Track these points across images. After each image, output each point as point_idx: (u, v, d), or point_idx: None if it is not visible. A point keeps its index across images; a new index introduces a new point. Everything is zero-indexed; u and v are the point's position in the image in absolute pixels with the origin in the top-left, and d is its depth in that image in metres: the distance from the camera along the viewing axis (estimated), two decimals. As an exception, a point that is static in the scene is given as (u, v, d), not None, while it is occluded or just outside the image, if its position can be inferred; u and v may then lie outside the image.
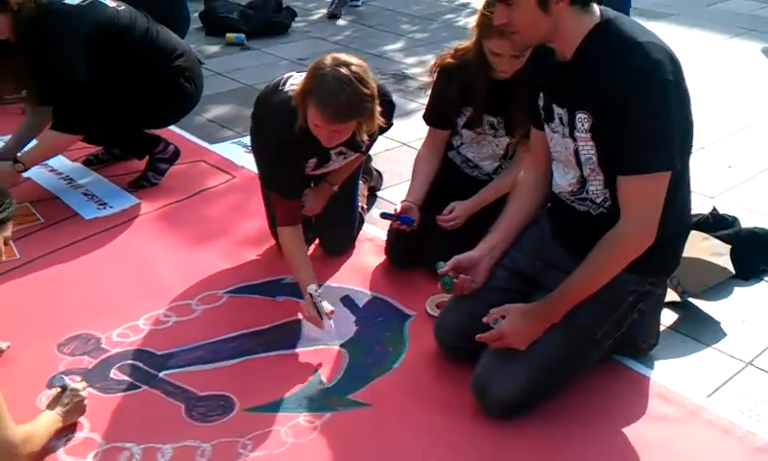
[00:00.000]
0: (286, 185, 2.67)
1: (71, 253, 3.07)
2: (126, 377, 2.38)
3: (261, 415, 2.23)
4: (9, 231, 2.02)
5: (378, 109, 2.47)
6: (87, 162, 3.81)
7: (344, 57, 2.42)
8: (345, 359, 2.47)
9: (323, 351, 2.50)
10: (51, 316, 2.67)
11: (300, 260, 2.62)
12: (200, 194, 3.55)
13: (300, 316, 2.60)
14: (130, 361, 2.45)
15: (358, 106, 2.39)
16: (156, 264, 2.99)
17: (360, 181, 3.19)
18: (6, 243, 2.02)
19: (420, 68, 5.06)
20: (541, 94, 2.21)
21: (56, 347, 2.51)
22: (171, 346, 2.52)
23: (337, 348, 2.52)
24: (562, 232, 2.29)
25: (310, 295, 2.50)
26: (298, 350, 2.52)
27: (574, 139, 2.10)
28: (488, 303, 2.25)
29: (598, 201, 2.14)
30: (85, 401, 2.16)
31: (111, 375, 2.39)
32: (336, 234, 3.07)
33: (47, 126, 3.36)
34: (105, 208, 3.40)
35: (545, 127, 2.23)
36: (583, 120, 2.06)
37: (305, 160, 2.74)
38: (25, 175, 3.66)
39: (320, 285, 2.62)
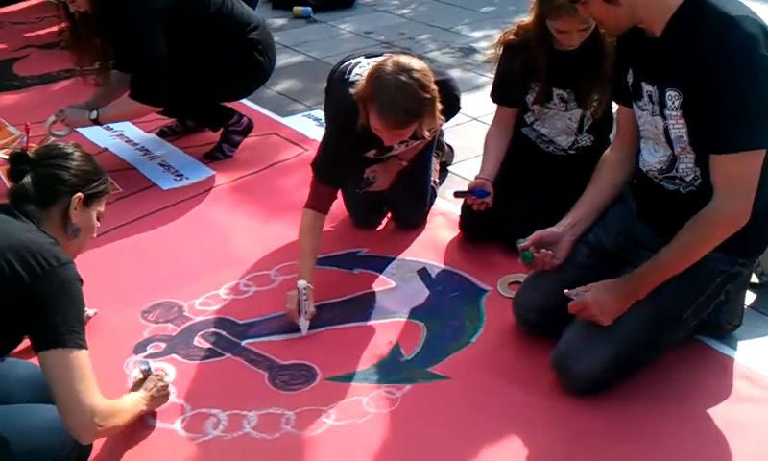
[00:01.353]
0: (329, 173, 2.66)
1: (150, 222, 3.14)
2: (209, 345, 2.43)
3: (343, 385, 2.26)
4: (102, 207, 2.06)
5: (439, 106, 2.46)
6: (162, 134, 3.88)
7: (405, 60, 2.40)
8: (422, 332, 2.48)
9: (400, 324, 2.52)
10: (134, 284, 2.74)
11: (308, 251, 2.59)
12: (273, 166, 3.59)
13: (377, 287, 2.61)
14: (212, 329, 2.50)
15: (418, 111, 2.39)
16: (232, 235, 3.04)
17: (433, 156, 3.18)
18: (99, 218, 2.06)
19: (488, 42, 4.97)
20: (630, 71, 2.18)
21: (140, 314, 2.58)
22: (252, 315, 2.56)
23: (414, 320, 2.54)
24: (649, 211, 2.25)
25: (298, 289, 2.48)
26: (375, 322, 2.54)
27: (664, 117, 2.07)
28: (568, 281, 2.23)
29: (688, 179, 2.11)
30: (169, 389, 2.18)
31: (195, 342, 2.45)
32: (409, 208, 3.08)
33: (121, 95, 3.44)
34: (181, 179, 3.47)
35: (633, 105, 2.19)
36: (673, 98, 2.02)
37: (364, 152, 2.75)
38: (102, 145, 3.78)
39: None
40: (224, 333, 2.48)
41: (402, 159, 2.96)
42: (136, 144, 3.80)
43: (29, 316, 1.72)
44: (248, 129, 3.68)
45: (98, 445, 1.96)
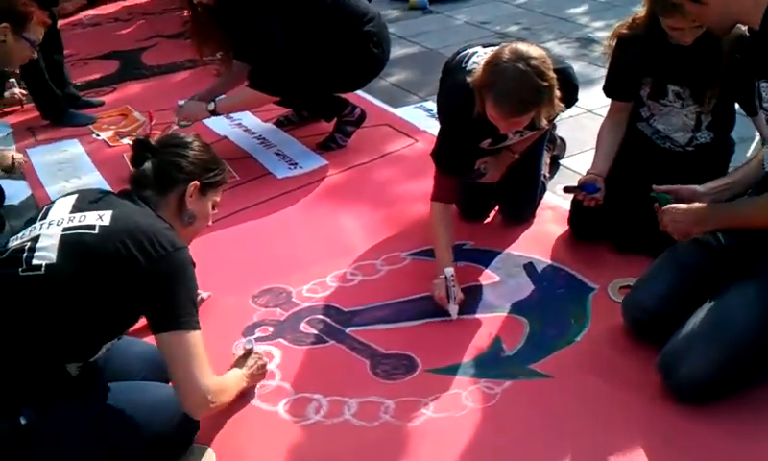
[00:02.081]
0: (450, 162, 2.67)
1: (264, 209, 3.24)
2: (315, 331, 2.50)
3: (442, 377, 2.27)
4: (218, 196, 2.15)
5: (558, 94, 2.41)
6: (278, 123, 4.00)
7: (523, 48, 2.36)
8: (525, 328, 2.46)
9: (502, 319, 2.51)
10: (246, 268, 2.84)
11: (444, 240, 2.62)
12: (383, 157, 3.63)
13: (433, 295, 2.57)
14: (318, 316, 2.57)
15: (536, 100, 2.35)
16: (342, 224, 3.10)
17: (544, 149, 3.13)
18: (214, 207, 2.15)
19: (607, 32, 4.86)
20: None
21: (250, 298, 2.68)
22: (357, 303, 2.61)
23: (517, 316, 2.52)
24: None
25: (445, 277, 2.50)
26: (478, 315, 2.53)
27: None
28: (677, 285, 2.17)
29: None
30: (267, 367, 2.27)
31: (301, 327, 2.52)
32: (518, 202, 3.05)
33: (240, 85, 3.57)
34: (295, 168, 3.56)
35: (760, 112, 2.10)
36: None
37: (480, 141, 2.73)
38: (222, 134, 3.93)
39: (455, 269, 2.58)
40: (329, 320, 2.54)
41: (514, 152, 2.93)
42: (254, 133, 3.93)
43: (145, 298, 1.82)
44: (360, 119, 3.74)
45: (204, 423, 2.05)
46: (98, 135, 4.03)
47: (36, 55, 3.01)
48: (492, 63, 2.36)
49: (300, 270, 2.80)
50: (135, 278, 1.79)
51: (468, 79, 2.46)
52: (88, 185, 3.52)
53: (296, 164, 3.60)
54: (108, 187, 3.48)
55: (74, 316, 1.77)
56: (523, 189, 3.03)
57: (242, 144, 3.83)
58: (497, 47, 2.46)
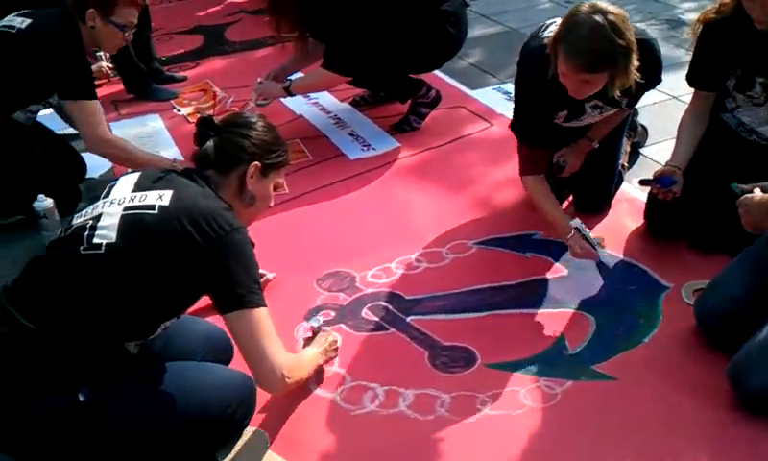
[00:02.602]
0: (531, 132, 2.63)
1: (335, 191, 3.24)
2: (376, 318, 2.49)
3: (501, 373, 2.23)
4: (281, 178, 2.14)
5: (636, 63, 2.30)
6: (354, 103, 3.98)
7: (603, 4, 2.28)
8: (591, 326, 2.39)
9: (568, 315, 2.44)
10: (312, 250, 2.85)
11: (551, 203, 2.62)
12: (457, 141, 3.58)
13: (576, 254, 2.50)
14: (381, 302, 2.55)
15: (608, 57, 2.25)
16: (411, 208, 3.07)
17: (624, 138, 3.02)
18: (276, 189, 2.14)
19: (698, 14, 4.65)
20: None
21: (315, 281, 2.68)
22: (420, 292, 2.58)
23: (583, 313, 2.44)
24: None
25: (576, 229, 2.45)
26: (542, 310, 2.47)
27: None
28: (753, 285, 2.06)
29: None
30: (338, 344, 2.28)
31: (363, 314, 2.51)
32: (593, 192, 2.95)
33: (315, 64, 3.57)
34: (368, 150, 3.54)
35: None
36: None
37: (555, 111, 2.63)
38: (298, 112, 3.93)
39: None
40: (391, 308, 2.52)
41: (593, 140, 2.84)
42: (330, 112, 3.92)
43: (206, 279, 1.84)
44: (435, 101, 3.69)
45: (260, 406, 2.08)
46: (179, 111, 4.10)
47: (129, 38, 3.01)
48: (569, 16, 2.31)
49: (366, 254, 2.78)
50: (194, 258, 1.80)
51: (545, 41, 2.40)
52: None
53: (369, 146, 3.58)
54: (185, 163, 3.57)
55: (132, 295, 1.80)
56: (599, 179, 2.94)
57: (317, 123, 3.83)
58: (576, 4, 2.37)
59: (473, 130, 3.65)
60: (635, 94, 2.60)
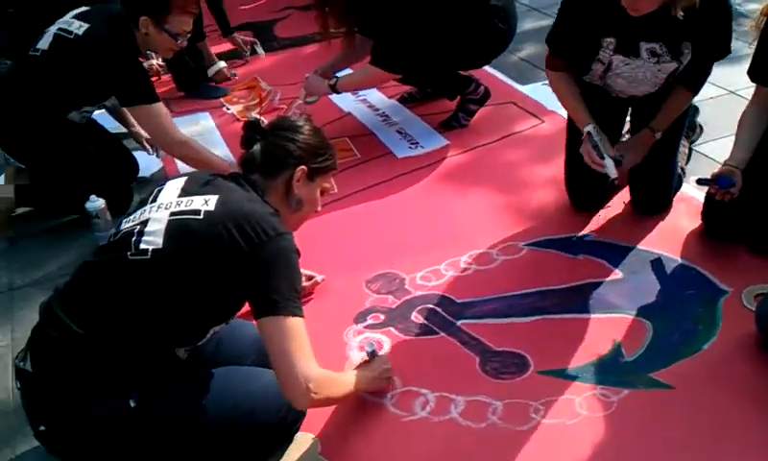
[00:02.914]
0: (563, 43, 2.59)
1: (382, 190, 3.21)
2: (425, 322, 2.45)
3: (555, 380, 2.18)
4: (328, 182, 2.12)
5: None
6: (402, 100, 3.95)
7: None
8: (647, 332, 2.32)
9: (624, 321, 2.38)
10: (361, 251, 2.83)
11: (574, 99, 2.61)
12: (507, 138, 3.52)
13: (603, 277, 2.47)
14: (430, 305, 2.52)
15: None
16: (459, 208, 3.03)
17: (683, 136, 2.91)
18: (323, 193, 2.12)
19: (758, 5, 4.51)
20: None
21: (364, 283, 2.66)
22: (470, 295, 2.55)
23: (639, 318, 2.38)
24: None
25: (588, 133, 2.41)
26: (596, 315, 2.41)
27: None
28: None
29: None
30: (391, 374, 2.20)
31: (413, 317, 2.48)
32: (651, 192, 2.86)
33: (362, 60, 3.55)
34: (416, 148, 3.51)
35: None
36: None
37: (602, 32, 2.51)
38: (346, 110, 3.92)
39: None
40: (440, 311, 2.49)
41: (655, 129, 2.71)
42: (378, 109, 3.90)
43: (246, 283, 1.82)
44: (484, 98, 3.64)
45: (311, 411, 2.06)
46: (228, 109, 4.11)
47: (183, 46, 3.01)
48: None
49: (415, 256, 2.75)
50: (238, 263, 1.79)
51: None
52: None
53: (417, 144, 3.55)
54: (234, 162, 3.57)
55: (179, 300, 1.80)
56: (658, 178, 2.84)
57: (365, 121, 3.80)
58: None
59: (524, 127, 3.59)
60: (700, 57, 2.50)
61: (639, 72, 2.58)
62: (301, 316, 1.82)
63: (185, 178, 1.98)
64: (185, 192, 1.90)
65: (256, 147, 2.01)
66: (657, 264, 2.61)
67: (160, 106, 2.95)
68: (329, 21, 3.58)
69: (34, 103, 2.93)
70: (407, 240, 2.86)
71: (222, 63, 4.31)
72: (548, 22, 4.78)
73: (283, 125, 2.07)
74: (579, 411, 2.07)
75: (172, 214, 1.84)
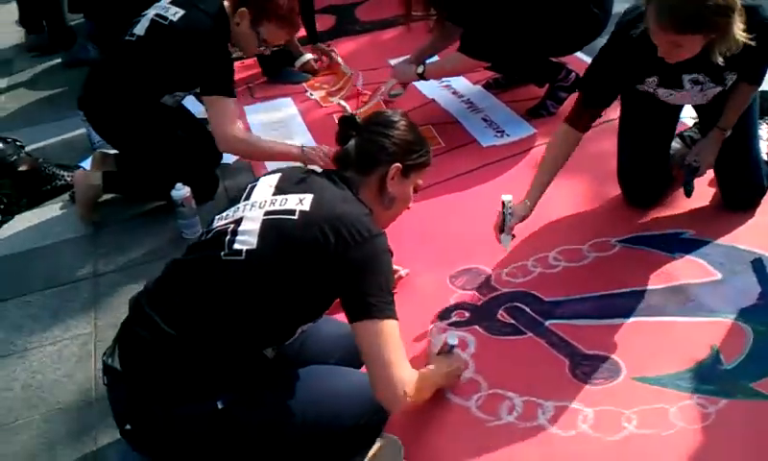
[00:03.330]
0: (595, 89, 2.50)
1: (467, 180, 3.14)
2: (512, 321, 2.39)
3: (649, 387, 2.09)
4: (421, 179, 2.07)
5: (741, 26, 2.06)
6: (487, 86, 3.85)
7: None
8: (748, 338, 2.20)
9: (722, 325, 2.26)
10: (445, 245, 2.77)
11: (546, 173, 2.52)
12: (598, 127, 3.32)
13: (701, 278, 2.36)
14: (517, 304, 2.45)
15: (703, 16, 2.04)
16: (547, 201, 2.86)
17: (756, 120, 2.72)
18: (416, 190, 2.08)
19: None
20: None
21: (448, 278, 2.60)
22: (559, 293, 2.46)
23: (739, 322, 2.26)
24: None
25: (503, 203, 2.36)
26: (693, 319, 2.30)
27: None
28: None
29: None
30: (463, 371, 2.16)
31: (499, 315, 2.41)
32: (738, 185, 2.71)
33: (451, 47, 3.49)
34: (502, 137, 3.42)
35: None
36: None
37: (643, 73, 2.43)
38: (430, 96, 3.85)
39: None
40: (528, 310, 2.42)
41: (724, 128, 2.58)
42: (462, 96, 3.81)
43: (340, 285, 1.80)
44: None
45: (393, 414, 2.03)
46: (311, 95, 4.09)
47: (266, 53, 3.06)
48: None
49: (501, 250, 2.66)
50: (332, 265, 1.77)
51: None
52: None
53: (502, 132, 3.46)
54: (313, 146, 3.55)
55: (273, 301, 1.78)
56: (741, 170, 2.69)
57: (449, 108, 3.73)
58: None
59: (616, 115, 3.43)
60: (747, 67, 2.36)
61: (686, 98, 2.54)
62: (396, 318, 1.78)
63: (279, 174, 1.96)
64: (279, 190, 1.88)
65: (351, 143, 1.98)
66: (757, 264, 2.47)
67: (232, 102, 2.92)
68: (415, 4, 3.52)
69: (129, 87, 2.97)
70: (493, 234, 2.77)
71: (309, 55, 4.28)
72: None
73: (378, 120, 2.03)
74: (674, 422, 1.98)
75: (266, 214, 1.82)
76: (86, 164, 3.57)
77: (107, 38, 4.11)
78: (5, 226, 3.28)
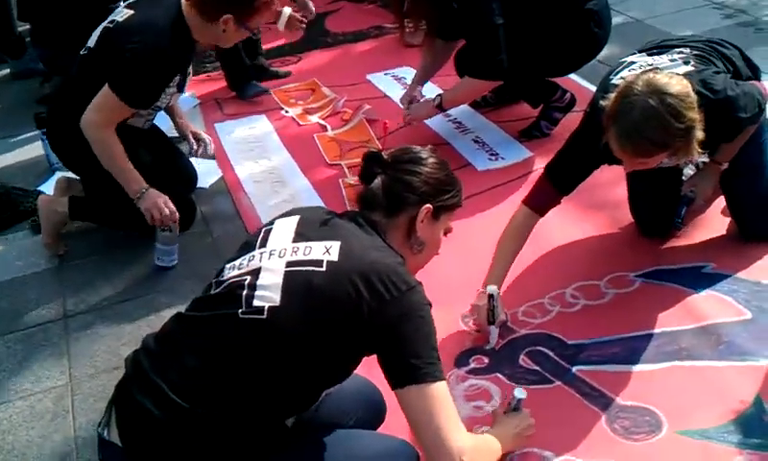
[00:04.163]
0: (562, 175, 2.42)
1: (468, 207, 2.90)
2: (536, 367, 2.21)
3: (695, 442, 1.93)
4: (450, 221, 1.88)
5: (700, 135, 2.02)
6: (475, 105, 3.68)
7: (662, 81, 2.02)
8: (790, 384, 2.07)
9: (759, 370, 2.12)
10: (451, 280, 2.57)
11: (506, 253, 2.41)
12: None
13: (729, 316, 2.22)
14: (539, 347, 2.27)
15: (664, 142, 2.03)
16: (555, 232, 2.74)
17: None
18: (446, 233, 1.88)
19: None
20: None
21: (460, 317, 2.42)
22: (582, 335, 2.30)
23: (777, 366, 2.13)
24: None
25: (491, 295, 2.23)
26: (729, 362, 2.16)
27: None
28: None
29: None
30: (533, 431, 1.93)
31: (520, 361, 2.23)
32: (754, 218, 2.59)
33: (442, 64, 3.37)
34: (497, 160, 3.26)
35: None
36: None
37: (608, 162, 2.35)
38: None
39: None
40: (551, 355, 2.24)
41: (720, 162, 2.49)
42: (449, 116, 3.63)
43: (378, 347, 1.59)
44: (570, 105, 3.38)
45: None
46: (286, 111, 3.86)
47: (253, 36, 2.91)
48: (623, 94, 2.05)
49: (513, 287, 2.49)
50: (367, 323, 1.55)
51: (603, 103, 2.12)
52: (278, 168, 3.38)
53: (497, 155, 3.29)
54: (297, 171, 3.33)
55: (299, 365, 1.56)
56: (756, 203, 2.57)
57: (438, 129, 3.54)
58: (636, 74, 2.13)
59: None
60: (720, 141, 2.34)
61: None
62: (444, 378, 1.58)
63: (297, 217, 1.73)
64: (301, 236, 1.66)
65: (377, 182, 1.77)
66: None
67: (124, 107, 2.62)
68: (411, 18, 3.35)
69: (83, 106, 2.66)
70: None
71: (287, 9, 3.86)
72: (619, 20, 4.51)
73: (406, 157, 1.81)
74: (727, 481, 1.83)
75: (289, 264, 1.60)
76: (46, 188, 3.28)
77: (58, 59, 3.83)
78: (-42, 259, 2.97)
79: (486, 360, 2.25)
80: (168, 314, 2.50)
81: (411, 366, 1.55)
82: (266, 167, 3.41)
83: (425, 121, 3.57)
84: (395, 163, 1.79)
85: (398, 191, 1.75)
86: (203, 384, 1.55)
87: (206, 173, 3.36)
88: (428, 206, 1.75)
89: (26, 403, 2.27)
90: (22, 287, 2.77)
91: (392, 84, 4.02)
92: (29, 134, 3.74)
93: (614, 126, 2.06)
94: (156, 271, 2.79)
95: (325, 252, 1.61)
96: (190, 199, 3.06)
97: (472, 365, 2.24)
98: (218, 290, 1.65)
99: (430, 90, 3.57)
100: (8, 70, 4.62)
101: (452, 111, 3.64)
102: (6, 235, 3.10)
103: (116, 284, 2.76)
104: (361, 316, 1.55)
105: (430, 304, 1.64)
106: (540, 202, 2.42)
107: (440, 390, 1.56)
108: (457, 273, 2.60)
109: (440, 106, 3.25)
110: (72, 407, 2.24)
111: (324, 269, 1.58)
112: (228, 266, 1.70)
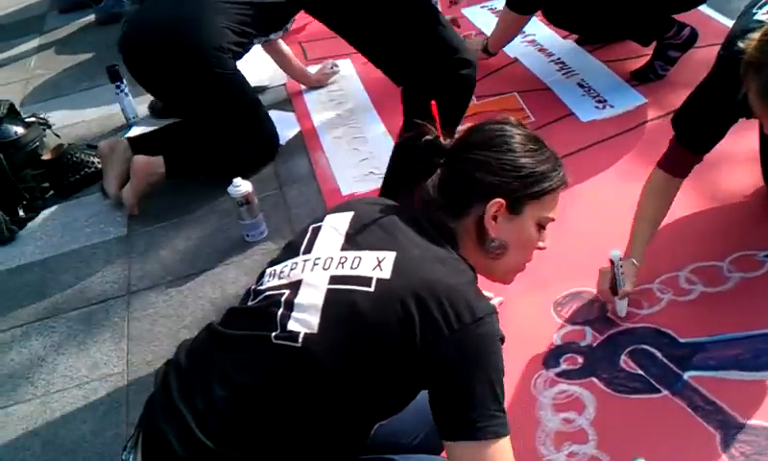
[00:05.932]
0: (697, 136, 2.00)
1: (566, 167, 2.58)
2: (640, 371, 1.87)
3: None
4: (551, 210, 1.52)
5: None
6: (580, 42, 3.27)
7: None
8: None
9: None
10: (545, 261, 2.16)
11: (647, 226, 2.04)
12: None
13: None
14: (645, 346, 1.93)
15: None
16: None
17: None
18: (544, 225, 1.53)
19: None
20: None
21: (552, 306, 2.11)
22: (699, 331, 1.94)
23: None
24: None
25: (611, 262, 1.93)
26: None
27: None
28: None
29: None
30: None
31: (621, 362, 1.91)
32: None
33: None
34: (604, 108, 2.86)
35: None
36: None
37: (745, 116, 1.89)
38: (512, 55, 3.29)
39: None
40: (659, 356, 1.90)
41: None
42: (552, 55, 3.24)
43: (431, 385, 1.32)
44: (690, 41, 2.92)
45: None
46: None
47: None
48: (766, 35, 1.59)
49: (615, 266, 2.15)
50: (419, 360, 1.28)
51: (741, 44, 1.66)
52: (355, 119, 3.11)
53: (604, 102, 2.89)
54: (375, 117, 3.06)
55: (338, 403, 1.31)
56: None
57: (536, 71, 3.15)
58: None
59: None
60: None
61: None
62: (507, 433, 1.29)
63: (350, 214, 1.45)
64: (351, 242, 1.38)
65: (436, 175, 1.46)
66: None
67: None
68: None
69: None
70: (606, 244, 2.19)
71: None
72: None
73: (472, 140, 1.49)
74: None
75: (333, 280, 1.33)
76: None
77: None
78: (27, 225, 2.87)
79: (580, 360, 1.93)
80: (234, 291, 2.36)
81: (466, 420, 1.26)
82: (346, 119, 3.15)
83: (524, 61, 3.22)
84: (458, 150, 1.48)
85: (458, 186, 1.45)
86: (231, 420, 1.32)
87: (285, 127, 3.13)
88: (498, 200, 1.43)
89: (81, 393, 2.15)
90: (89, 259, 2.66)
91: (491, 18, 3.63)
92: (108, 86, 3.60)
93: (757, 77, 1.63)
94: (223, 241, 2.61)
95: (377, 265, 1.33)
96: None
97: (563, 366, 1.93)
98: (255, 301, 1.41)
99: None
100: (92, 16, 4.51)
101: (555, 50, 3.26)
102: (78, 198, 2.99)
103: (182, 255, 2.61)
104: (413, 351, 1.27)
105: (502, 339, 1.34)
106: (677, 165, 2.05)
107: (500, 449, 1.27)
108: (551, 249, 2.24)
109: (486, 50, 3.00)
110: (127, 399, 2.10)
111: (372, 289, 1.30)
112: (268, 271, 1.45)
